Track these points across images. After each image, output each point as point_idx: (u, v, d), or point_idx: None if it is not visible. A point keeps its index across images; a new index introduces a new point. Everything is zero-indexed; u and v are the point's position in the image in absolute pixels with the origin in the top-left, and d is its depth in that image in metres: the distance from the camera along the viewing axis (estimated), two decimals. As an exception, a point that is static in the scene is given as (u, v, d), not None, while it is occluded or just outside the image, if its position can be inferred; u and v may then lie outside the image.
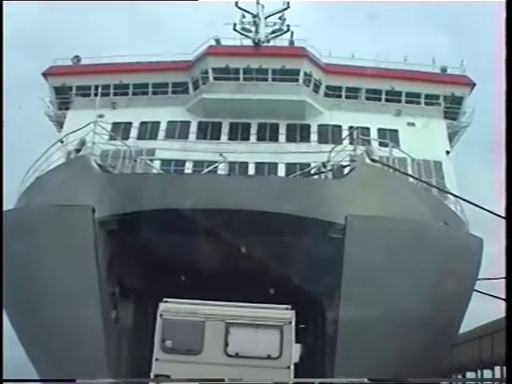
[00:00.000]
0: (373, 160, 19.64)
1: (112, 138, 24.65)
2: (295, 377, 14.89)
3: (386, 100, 31.90)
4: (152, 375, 13.74)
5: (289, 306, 14.78)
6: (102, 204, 19.00)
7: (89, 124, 19.97)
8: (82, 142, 19.75)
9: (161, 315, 14.01)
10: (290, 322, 14.09)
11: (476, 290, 22.71)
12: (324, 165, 20.98)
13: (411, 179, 22.19)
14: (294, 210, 18.68)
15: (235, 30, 35.08)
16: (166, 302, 14.30)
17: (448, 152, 31.36)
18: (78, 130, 20.29)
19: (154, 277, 23.60)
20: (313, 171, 22.54)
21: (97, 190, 19.07)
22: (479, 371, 26.93)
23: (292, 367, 13.65)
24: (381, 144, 25.06)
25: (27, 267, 19.18)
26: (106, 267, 19.98)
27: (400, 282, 18.59)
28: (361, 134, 24.07)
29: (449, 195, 23.91)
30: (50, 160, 21.56)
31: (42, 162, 21.67)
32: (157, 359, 13.82)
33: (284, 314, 14.30)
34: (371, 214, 18.60)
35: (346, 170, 20.07)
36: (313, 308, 25.91)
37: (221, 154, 22.06)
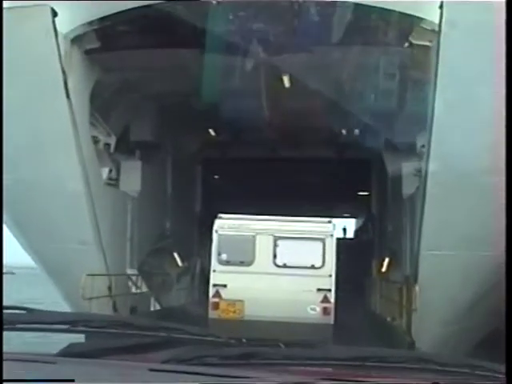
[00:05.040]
0: None
1: None
2: None
3: None
4: (211, 285, 14.37)
5: (331, 219, 15.42)
6: (72, 9, 12.06)
7: None
8: None
9: (216, 231, 14.48)
10: (332, 235, 14.67)
11: None
12: None
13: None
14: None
15: None
16: (220, 218, 14.72)
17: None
18: None
19: (170, 125, 17.11)
20: None
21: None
22: None
23: (333, 275, 14.36)
24: None
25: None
26: (86, 106, 13.27)
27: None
28: None
29: None
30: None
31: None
32: (214, 270, 14.46)
33: (326, 227, 14.81)
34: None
35: None
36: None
37: None
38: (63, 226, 12.96)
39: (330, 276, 14.22)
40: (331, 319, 13.91)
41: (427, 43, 12.14)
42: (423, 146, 13.81)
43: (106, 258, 13.64)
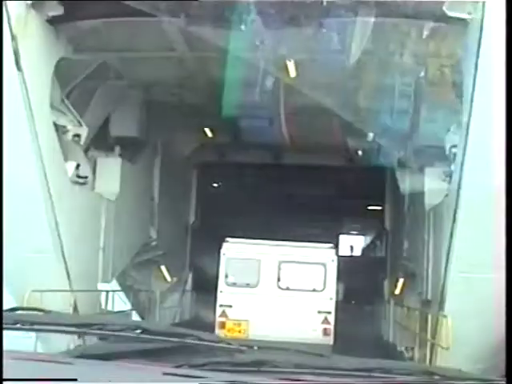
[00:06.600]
0: None
1: None
2: None
3: None
4: (218, 306, 14.85)
5: (333, 245, 15.95)
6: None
7: None
8: None
9: (224, 254, 15.00)
10: (333, 260, 15.11)
11: None
12: None
13: None
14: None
15: None
16: (227, 242, 15.17)
17: None
18: None
19: (159, 120, 14.99)
20: None
21: None
22: None
23: (334, 298, 14.95)
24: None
25: None
26: (46, 84, 10.88)
27: None
28: None
29: None
30: None
31: None
32: (221, 291, 14.99)
33: (328, 252, 15.33)
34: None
35: None
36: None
37: None
38: (16, 231, 10.50)
39: (331, 299, 14.83)
40: (331, 340, 14.48)
41: (466, 16, 9.74)
42: (454, 145, 11.45)
43: (69, 270, 11.23)
